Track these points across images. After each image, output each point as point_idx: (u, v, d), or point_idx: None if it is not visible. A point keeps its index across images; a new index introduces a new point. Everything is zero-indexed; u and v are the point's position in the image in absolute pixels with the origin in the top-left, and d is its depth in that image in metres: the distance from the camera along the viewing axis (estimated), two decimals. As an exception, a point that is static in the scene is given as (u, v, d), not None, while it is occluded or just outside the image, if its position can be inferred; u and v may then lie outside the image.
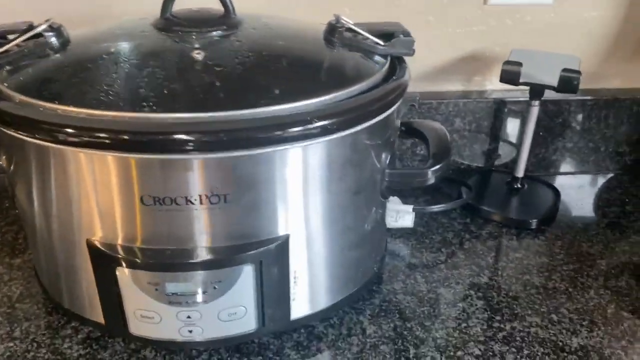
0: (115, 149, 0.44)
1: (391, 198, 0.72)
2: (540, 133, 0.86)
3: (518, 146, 0.85)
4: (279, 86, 0.49)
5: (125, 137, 0.43)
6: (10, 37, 0.55)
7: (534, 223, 0.76)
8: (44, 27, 0.53)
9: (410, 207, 0.71)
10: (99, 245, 0.49)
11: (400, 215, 0.72)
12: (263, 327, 0.53)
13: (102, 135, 0.43)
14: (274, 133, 0.45)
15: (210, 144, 0.44)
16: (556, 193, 0.82)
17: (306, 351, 0.56)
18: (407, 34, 0.58)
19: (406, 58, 0.58)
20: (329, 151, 0.49)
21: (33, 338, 0.57)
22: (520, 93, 0.84)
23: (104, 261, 0.49)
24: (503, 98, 0.85)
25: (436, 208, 0.75)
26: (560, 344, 0.57)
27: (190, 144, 0.43)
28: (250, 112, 0.45)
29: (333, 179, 0.51)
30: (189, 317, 0.50)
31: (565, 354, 0.56)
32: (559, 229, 0.76)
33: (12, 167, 0.53)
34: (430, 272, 0.67)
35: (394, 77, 0.54)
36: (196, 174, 0.46)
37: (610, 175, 0.90)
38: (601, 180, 0.89)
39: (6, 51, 0.52)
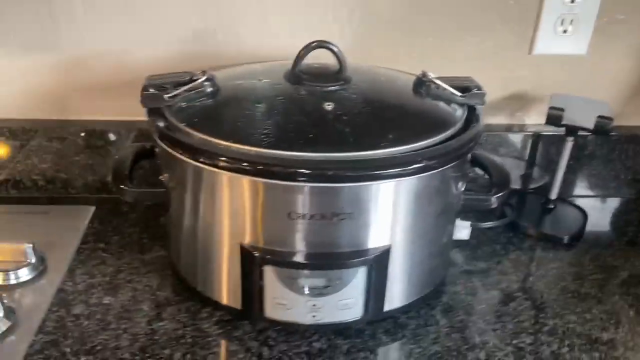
0: (274, 178, 0.60)
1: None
2: (570, 162, 1.01)
3: (552, 172, 1.00)
4: (391, 132, 0.64)
5: (282, 169, 0.59)
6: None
7: (566, 239, 0.91)
8: (203, 78, 0.69)
9: (468, 223, 0.86)
10: (250, 250, 0.64)
11: (459, 229, 0.87)
12: (365, 315, 0.68)
13: (272, 169, 0.59)
14: (392, 170, 0.60)
15: (349, 177, 0.59)
16: (584, 213, 0.97)
17: (394, 336, 0.71)
18: (479, 87, 0.74)
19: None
20: (426, 182, 0.64)
21: (178, 319, 0.72)
22: (554, 128, 0.99)
23: (254, 261, 0.64)
24: (540, 132, 1.00)
25: (488, 224, 0.90)
26: (593, 337, 0.73)
27: (332, 176, 0.59)
28: (373, 152, 0.61)
29: (424, 203, 0.66)
30: (314, 305, 0.65)
31: (598, 345, 0.71)
32: (587, 244, 0.91)
33: (172, 182, 0.69)
34: (484, 277, 0.83)
35: (474, 124, 0.69)
36: (331, 197, 0.61)
37: (628, 198, 1.06)
38: (620, 204, 1.05)
39: (175, 95, 0.68)
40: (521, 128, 1.02)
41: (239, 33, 0.90)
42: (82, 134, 0.93)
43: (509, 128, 1.02)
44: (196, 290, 0.73)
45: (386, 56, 0.94)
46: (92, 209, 0.93)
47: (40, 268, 0.78)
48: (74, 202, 0.95)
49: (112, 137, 0.96)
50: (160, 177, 0.71)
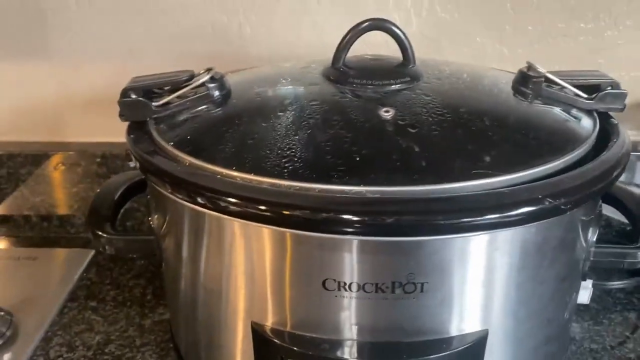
0: (300, 228, 0.38)
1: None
2: None
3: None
4: (487, 153, 0.41)
5: (313, 215, 0.36)
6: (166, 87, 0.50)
7: None
8: (206, 77, 0.48)
9: (589, 282, 0.60)
10: (267, 335, 0.42)
11: (575, 290, 0.61)
12: None
13: (292, 212, 0.36)
14: (491, 215, 0.36)
15: (421, 226, 0.36)
16: None
17: None
18: (615, 85, 0.49)
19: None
20: (544, 233, 0.40)
21: (174, 422, 0.51)
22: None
23: (273, 350, 0.42)
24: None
25: (619, 284, 0.64)
26: None
27: (394, 225, 0.36)
28: (459, 185, 0.37)
29: (543, 265, 0.42)
30: (363, 422, 0.42)
31: None
32: None
33: (163, 229, 0.48)
34: (618, 362, 0.57)
35: (613, 140, 0.45)
36: (392, 258, 0.38)
37: None
38: None
39: (167, 103, 0.47)
40: (653, 147, 0.75)
41: (270, 27, 0.70)
42: (81, 161, 0.75)
43: (636, 146, 0.75)
44: (199, 379, 0.52)
45: (465, 53, 0.71)
46: (91, 253, 0.74)
47: (8, 334, 0.59)
48: (71, 244, 0.77)
49: (132, 164, 0.77)
50: (149, 220, 0.50)
